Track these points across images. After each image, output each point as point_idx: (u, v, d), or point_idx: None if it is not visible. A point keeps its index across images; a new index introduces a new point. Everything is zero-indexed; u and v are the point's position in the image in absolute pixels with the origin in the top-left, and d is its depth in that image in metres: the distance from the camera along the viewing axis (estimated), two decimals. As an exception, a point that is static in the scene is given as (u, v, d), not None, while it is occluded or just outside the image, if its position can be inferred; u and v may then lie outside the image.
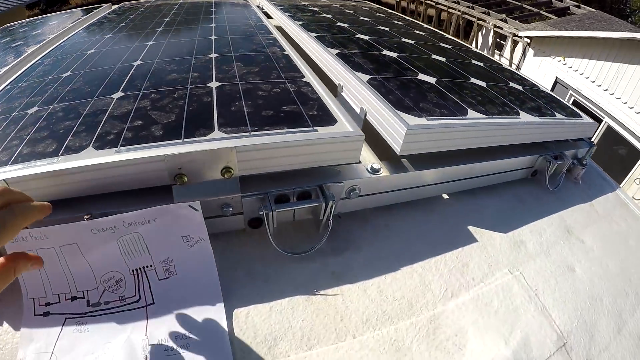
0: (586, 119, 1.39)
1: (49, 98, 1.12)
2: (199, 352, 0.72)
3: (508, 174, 1.21)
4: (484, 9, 9.97)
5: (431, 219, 1.03)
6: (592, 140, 1.44)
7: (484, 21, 9.67)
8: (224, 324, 0.76)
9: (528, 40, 8.32)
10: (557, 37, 7.57)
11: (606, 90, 6.74)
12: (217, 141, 0.82)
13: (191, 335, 0.74)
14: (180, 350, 0.72)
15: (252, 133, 0.85)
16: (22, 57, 1.66)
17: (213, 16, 2.27)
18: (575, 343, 0.80)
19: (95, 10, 2.71)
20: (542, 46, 8.15)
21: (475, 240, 0.99)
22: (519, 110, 1.23)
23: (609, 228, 1.18)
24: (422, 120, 0.95)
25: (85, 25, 2.27)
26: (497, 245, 0.99)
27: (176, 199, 0.81)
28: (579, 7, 10.19)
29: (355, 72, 1.22)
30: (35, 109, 1.04)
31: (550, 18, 9.47)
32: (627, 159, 6.82)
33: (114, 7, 2.91)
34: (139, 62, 1.38)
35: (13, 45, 2.05)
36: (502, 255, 0.97)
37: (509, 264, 0.95)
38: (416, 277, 0.87)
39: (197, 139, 0.83)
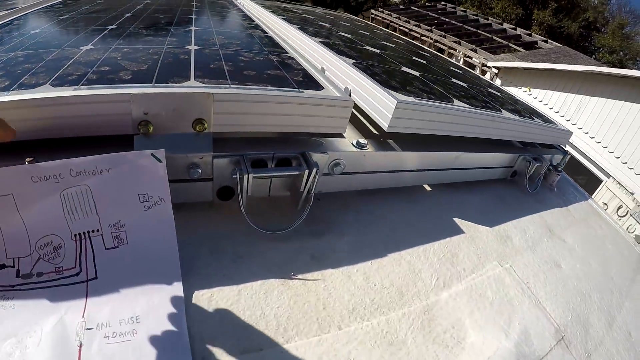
0: (561, 126, 1.44)
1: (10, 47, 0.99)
2: (149, 340, 0.59)
3: (489, 171, 1.20)
4: (455, 38, 10.31)
5: (415, 208, 0.97)
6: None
7: (455, 50, 9.95)
8: (181, 307, 0.62)
9: (496, 71, 8.60)
10: (524, 68, 7.89)
11: (569, 120, 6.99)
12: (192, 88, 0.72)
13: (140, 320, 0.60)
14: (125, 338, 0.58)
15: (231, 85, 0.75)
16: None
17: (194, 5, 2.17)
18: (573, 337, 0.78)
19: None
20: (509, 76, 8.39)
21: (462, 232, 0.95)
22: (500, 109, 1.23)
23: (587, 231, 1.21)
24: (411, 99, 0.90)
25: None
26: (484, 237, 0.96)
27: (137, 149, 0.67)
28: (546, 41, 10.69)
29: (340, 56, 1.16)
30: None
31: (519, 51, 9.89)
32: (587, 187, 7.06)
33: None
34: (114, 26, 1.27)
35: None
36: (490, 248, 0.93)
37: (498, 256, 0.91)
38: (405, 265, 0.78)
39: (169, 84, 0.72)
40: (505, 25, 11.65)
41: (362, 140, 0.86)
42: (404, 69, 1.29)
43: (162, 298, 0.63)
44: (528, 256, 0.95)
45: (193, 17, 1.64)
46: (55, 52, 0.89)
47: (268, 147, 0.77)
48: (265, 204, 0.83)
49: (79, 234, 0.64)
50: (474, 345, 0.67)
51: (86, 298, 0.61)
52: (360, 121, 0.97)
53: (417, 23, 11.43)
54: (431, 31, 10.85)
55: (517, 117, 1.23)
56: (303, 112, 0.77)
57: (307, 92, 0.80)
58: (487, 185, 1.20)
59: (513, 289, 0.83)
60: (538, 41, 10.70)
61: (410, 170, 0.97)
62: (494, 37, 10.62)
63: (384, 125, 0.86)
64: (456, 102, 1.06)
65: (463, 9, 13.22)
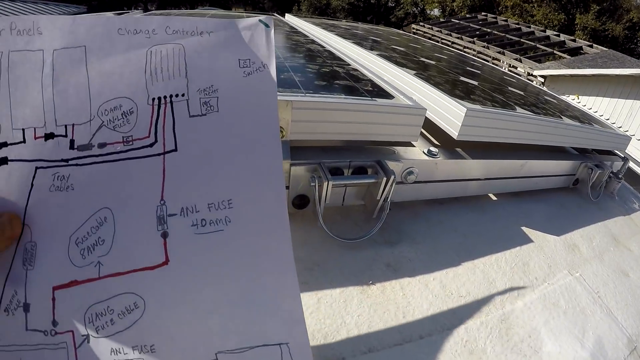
0: (619, 131, 1.39)
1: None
2: (245, 230, 0.48)
3: (552, 179, 1.16)
4: (498, 48, 10.02)
5: (483, 217, 0.95)
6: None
7: (499, 60, 9.71)
8: (281, 192, 0.51)
9: (542, 79, 8.28)
10: (571, 75, 7.56)
11: (620, 127, 6.73)
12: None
13: (233, 205, 0.49)
14: (217, 227, 0.48)
15: (307, 95, 0.74)
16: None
17: None
18: (645, 348, 0.74)
19: (128, 13, 2.62)
20: (556, 84, 7.95)
21: (531, 241, 0.91)
22: (560, 115, 1.19)
23: (652, 241, 1.15)
24: (478, 107, 0.88)
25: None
26: (552, 246, 0.92)
27: None
28: (591, 46, 10.20)
29: (401, 68, 1.15)
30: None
31: (564, 57, 9.48)
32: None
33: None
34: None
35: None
36: (559, 257, 0.90)
37: (567, 265, 0.88)
38: (479, 274, 0.76)
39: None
40: (549, 32, 11.24)
41: (433, 149, 0.85)
42: (462, 78, 1.27)
43: (259, 178, 0.51)
44: (596, 265, 0.91)
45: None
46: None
47: (343, 156, 0.76)
48: (338, 213, 0.82)
49: (158, 98, 0.51)
50: (550, 354, 0.65)
51: (164, 175, 0.49)
52: (423, 131, 0.95)
53: (459, 35, 11.21)
54: (474, 42, 10.60)
55: (578, 124, 1.19)
56: (377, 120, 0.76)
57: (380, 101, 0.79)
58: (549, 193, 1.16)
59: (584, 298, 0.79)
60: (583, 46, 10.28)
61: (478, 179, 0.94)
62: (537, 45, 10.26)
63: (454, 133, 0.84)
64: (519, 109, 1.03)
65: (504, 19, 12.89)
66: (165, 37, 0.51)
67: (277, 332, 0.47)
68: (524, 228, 0.95)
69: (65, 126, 0.48)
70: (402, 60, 1.35)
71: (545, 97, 1.52)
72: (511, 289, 0.75)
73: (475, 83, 1.25)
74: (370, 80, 0.97)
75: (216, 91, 0.51)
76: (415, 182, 0.82)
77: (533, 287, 0.77)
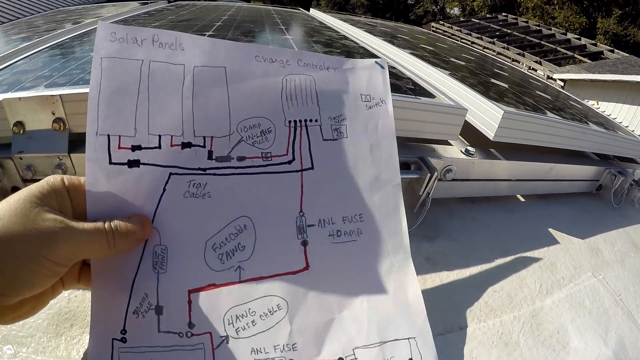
0: None
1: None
2: (373, 240, 0.54)
3: (577, 183, 1.18)
4: (518, 50, 9.89)
5: (513, 217, 0.98)
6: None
7: (519, 62, 9.60)
8: (400, 208, 0.57)
9: (562, 83, 8.17)
10: (591, 80, 7.46)
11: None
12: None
13: (363, 219, 0.55)
14: (350, 238, 0.54)
15: None
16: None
17: (276, 17, 2.22)
18: (664, 350, 0.77)
19: (152, 3, 2.61)
20: (575, 89, 7.86)
21: (557, 242, 0.94)
22: (587, 121, 1.21)
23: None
24: (513, 109, 0.91)
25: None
26: (577, 249, 0.95)
27: None
28: (612, 51, 10.04)
29: (435, 68, 1.18)
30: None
31: (584, 62, 9.33)
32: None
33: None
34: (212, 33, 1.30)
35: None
36: (584, 259, 0.92)
37: (591, 267, 0.90)
38: (511, 270, 0.80)
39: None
40: (569, 35, 11.10)
41: (471, 148, 0.88)
42: (492, 80, 1.29)
43: (383, 197, 0.58)
44: (618, 269, 0.94)
45: (282, 27, 1.68)
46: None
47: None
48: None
49: (294, 121, 0.57)
50: (577, 350, 0.68)
51: (302, 189, 0.55)
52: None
53: (478, 35, 11.11)
54: (494, 43, 10.50)
55: (604, 130, 1.20)
56: (420, 118, 0.79)
57: (424, 99, 0.82)
58: (573, 197, 1.18)
59: (607, 300, 0.82)
60: (604, 51, 10.13)
61: (509, 180, 0.97)
62: (558, 47, 10.15)
63: (490, 134, 0.87)
64: (549, 113, 1.05)
65: (525, 20, 12.77)
66: (297, 68, 0.57)
67: (406, 327, 0.53)
68: (550, 230, 0.98)
69: (204, 137, 0.51)
70: (434, 59, 1.38)
71: (571, 102, 1.54)
72: (540, 287, 0.78)
73: (506, 85, 1.27)
74: (410, 79, 0.99)
75: (344, 120, 0.59)
76: (453, 179, 0.86)
77: (560, 286, 0.80)
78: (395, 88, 0.85)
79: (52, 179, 0.44)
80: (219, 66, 0.53)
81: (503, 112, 0.84)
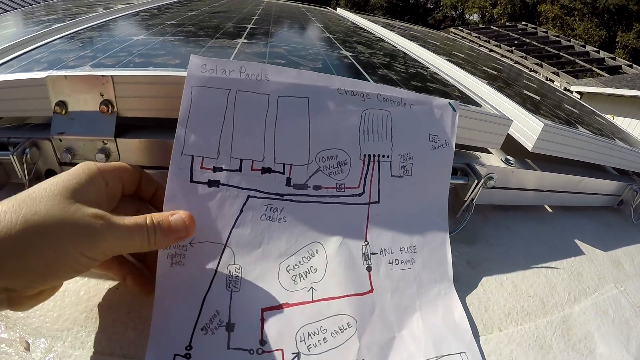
0: None
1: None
2: (424, 270, 0.59)
3: (601, 197, 1.20)
4: (536, 60, 9.77)
5: (543, 227, 1.01)
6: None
7: (536, 72, 9.46)
8: (446, 243, 0.64)
9: (579, 96, 8.02)
10: (609, 95, 7.36)
11: None
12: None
13: (416, 250, 0.60)
14: (405, 266, 0.58)
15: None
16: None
17: (308, 15, 2.24)
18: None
19: None
20: (592, 102, 7.65)
21: (583, 253, 0.97)
22: (613, 137, 1.23)
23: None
24: (550, 122, 0.93)
25: None
26: (600, 260, 0.98)
27: None
28: (631, 66, 9.86)
29: (473, 76, 1.21)
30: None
31: (602, 75, 9.17)
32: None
33: None
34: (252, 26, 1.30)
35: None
36: (607, 270, 0.95)
37: (613, 279, 0.93)
38: (543, 277, 0.83)
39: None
40: (588, 48, 10.96)
41: (510, 158, 0.91)
42: (525, 91, 1.32)
43: (433, 233, 0.63)
44: (637, 282, 0.97)
45: (319, 25, 1.70)
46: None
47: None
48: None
49: (369, 155, 0.60)
50: (602, 355, 0.71)
51: (367, 221, 0.58)
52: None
53: (497, 43, 11.02)
54: (512, 52, 10.41)
55: (628, 146, 1.23)
56: (468, 126, 0.80)
57: (472, 107, 0.84)
58: (593, 211, 1.21)
59: (628, 310, 0.85)
60: (622, 65, 9.94)
61: (541, 190, 1.00)
62: (576, 60, 10.04)
63: (529, 145, 0.89)
64: (580, 128, 1.08)
65: (544, 30, 12.65)
66: (376, 103, 0.60)
67: (456, 343, 0.57)
68: (576, 241, 1.01)
69: (284, 164, 0.55)
70: (469, 67, 1.40)
71: (596, 117, 1.56)
72: (569, 295, 0.82)
73: (538, 98, 1.30)
74: (455, 86, 1.03)
75: (412, 158, 0.63)
76: (494, 187, 0.89)
77: (586, 295, 0.84)
78: (443, 94, 0.89)
79: (87, 169, 0.43)
80: (302, 96, 0.56)
81: (543, 124, 0.87)
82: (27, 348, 0.48)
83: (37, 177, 0.64)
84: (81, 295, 0.55)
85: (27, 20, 1.42)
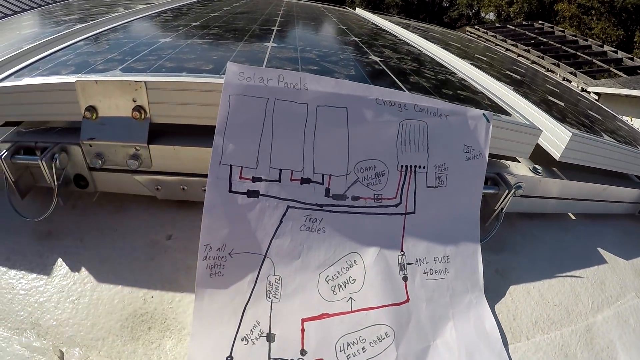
0: None
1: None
2: (457, 279, 0.60)
3: (623, 205, 1.19)
4: (553, 60, 9.59)
5: (567, 236, 1.02)
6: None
7: (553, 72, 9.29)
8: (477, 254, 0.64)
9: (596, 97, 7.88)
10: (627, 96, 7.21)
11: None
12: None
13: (450, 260, 0.61)
14: (439, 276, 0.59)
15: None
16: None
17: (330, 16, 2.23)
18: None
19: None
20: (609, 103, 7.38)
21: (605, 262, 0.98)
22: (635, 144, 1.22)
23: None
24: (577, 131, 0.93)
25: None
26: (622, 269, 0.98)
27: None
28: None
29: (499, 82, 1.21)
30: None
31: (620, 76, 8.97)
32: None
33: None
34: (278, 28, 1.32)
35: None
36: (628, 280, 0.95)
37: (634, 288, 0.93)
38: (567, 286, 0.84)
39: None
40: (606, 48, 10.72)
41: (538, 167, 0.91)
42: (549, 97, 1.32)
43: (465, 242, 0.64)
44: (657, 290, 0.96)
45: (342, 26, 1.70)
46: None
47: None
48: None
49: (406, 167, 0.60)
50: (624, 364, 0.72)
51: (403, 231, 0.59)
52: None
53: (514, 42, 10.84)
54: (528, 51, 10.24)
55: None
56: (499, 135, 0.79)
57: (504, 117, 0.84)
58: (613, 218, 1.21)
59: (648, 319, 0.85)
60: None
61: (566, 199, 1.00)
62: (594, 60, 9.84)
63: (556, 155, 0.89)
64: (605, 136, 1.07)
65: (561, 29, 12.43)
66: (413, 114, 0.60)
67: (487, 352, 0.59)
68: (599, 249, 1.01)
69: (322, 175, 0.55)
70: (493, 72, 1.40)
71: (618, 123, 1.55)
72: (592, 303, 0.82)
73: (562, 104, 1.30)
74: (484, 94, 1.03)
75: (447, 169, 0.63)
76: (522, 195, 0.88)
77: (609, 304, 0.84)
78: (474, 103, 0.90)
79: None
80: (341, 106, 0.56)
81: (571, 134, 0.87)
82: (62, 357, 0.49)
83: (66, 182, 0.65)
84: (115, 304, 0.56)
85: (47, 20, 1.43)
